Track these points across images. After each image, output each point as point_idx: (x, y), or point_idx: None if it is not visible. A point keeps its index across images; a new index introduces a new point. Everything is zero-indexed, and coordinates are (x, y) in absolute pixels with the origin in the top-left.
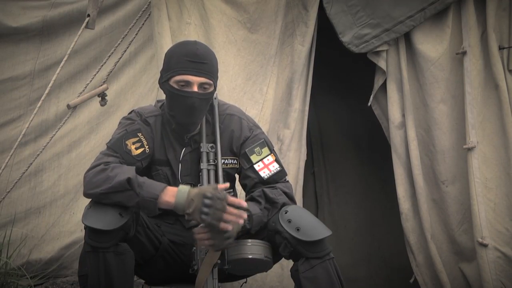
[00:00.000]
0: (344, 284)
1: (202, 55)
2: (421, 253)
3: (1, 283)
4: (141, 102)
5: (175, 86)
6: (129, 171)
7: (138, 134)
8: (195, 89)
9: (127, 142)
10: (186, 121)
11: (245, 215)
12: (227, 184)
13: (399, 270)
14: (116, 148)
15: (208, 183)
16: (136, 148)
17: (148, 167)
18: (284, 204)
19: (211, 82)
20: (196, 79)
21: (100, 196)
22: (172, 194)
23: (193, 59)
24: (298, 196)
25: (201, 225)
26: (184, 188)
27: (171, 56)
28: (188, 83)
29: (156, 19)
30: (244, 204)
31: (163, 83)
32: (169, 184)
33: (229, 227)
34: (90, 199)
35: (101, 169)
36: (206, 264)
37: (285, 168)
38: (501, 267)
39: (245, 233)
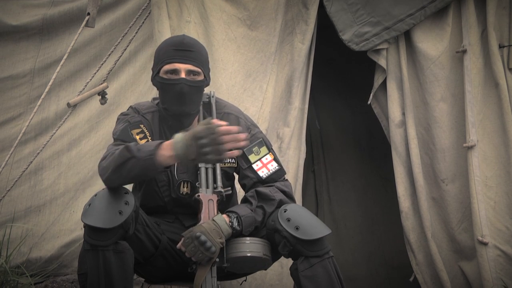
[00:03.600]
0: (344, 283)
1: (189, 44)
2: (421, 251)
3: (1, 281)
4: (141, 101)
5: (164, 76)
6: (124, 143)
7: (141, 125)
8: (183, 75)
9: (132, 131)
10: (177, 110)
11: (242, 135)
12: (216, 121)
13: (399, 268)
14: (123, 137)
15: (207, 182)
16: (141, 139)
17: None
18: (281, 201)
19: (199, 70)
20: (182, 66)
21: (112, 177)
22: (169, 148)
23: (180, 47)
24: (298, 194)
25: (181, 242)
26: (179, 137)
27: (159, 50)
28: (176, 71)
29: (156, 17)
30: (235, 128)
31: (154, 77)
32: (168, 182)
33: (235, 152)
34: (90, 197)
35: (109, 154)
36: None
37: (284, 166)
38: (501, 265)
39: (237, 235)
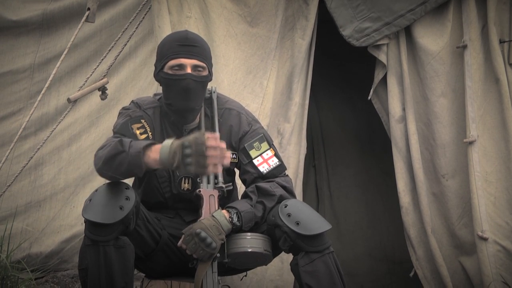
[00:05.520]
0: (344, 278)
1: (193, 39)
2: (421, 247)
3: (2, 276)
4: (141, 96)
5: (169, 71)
6: (123, 137)
7: (142, 120)
8: (189, 71)
9: (132, 126)
10: (182, 106)
11: (228, 153)
12: (208, 134)
13: (400, 263)
14: (123, 131)
15: (208, 177)
16: (141, 134)
17: None
18: (281, 197)
19: (204, 65)
20: (188, 61)
21: (103, 167)
22: (157, 150)
23: (184, 42)
24: (298, 189)
25: (182, 240)
26: (167, 142)
27: (163, 45)
28: (181, 66)
29: (157, 12)
30: (223, 145)
31: (158, 73)
32: (169, 178)
33: (218, 169)
34: (90, 193)
35: (107, 144)
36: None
37: (285, 162)
38: (501, 260)
39: (237, 231)
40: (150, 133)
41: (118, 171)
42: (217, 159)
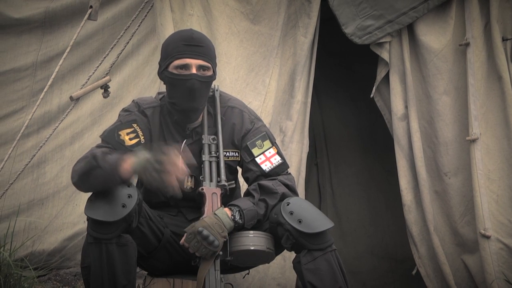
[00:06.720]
0: (347, 276)
1: (198, 39)
2: (424, 244)
3: (5, 274)
4: (144, 94)
5: (174, 71)
6: (99, 150)
7: (133, 125)
8: (194, 71)
9: (120, 132)
10: (187, 106)
11: (183, 171)
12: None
13: (402, 261)
14: (108, 139)
15: (210, 175)
16: (130, 139)
17: None
18: (284, 195)
19: (209, 65)
20: (194, 61)
21: (79, 183)
22: (129, 163)
23: (190, 42)
24: (300, 187)
25: (184, 238)
26: (140, 155)
27: (168, 44)
28: (186, 66)
29: (159, 10)
30: (193, 162)
31: (162, 72)
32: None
33: (173, 182)
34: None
35: (83, 157)
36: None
37: (287, 159)
38: (503, 258)
39: (239, 229)
40: (142, 137)
41: (93, 186)
42: (172, 177)
